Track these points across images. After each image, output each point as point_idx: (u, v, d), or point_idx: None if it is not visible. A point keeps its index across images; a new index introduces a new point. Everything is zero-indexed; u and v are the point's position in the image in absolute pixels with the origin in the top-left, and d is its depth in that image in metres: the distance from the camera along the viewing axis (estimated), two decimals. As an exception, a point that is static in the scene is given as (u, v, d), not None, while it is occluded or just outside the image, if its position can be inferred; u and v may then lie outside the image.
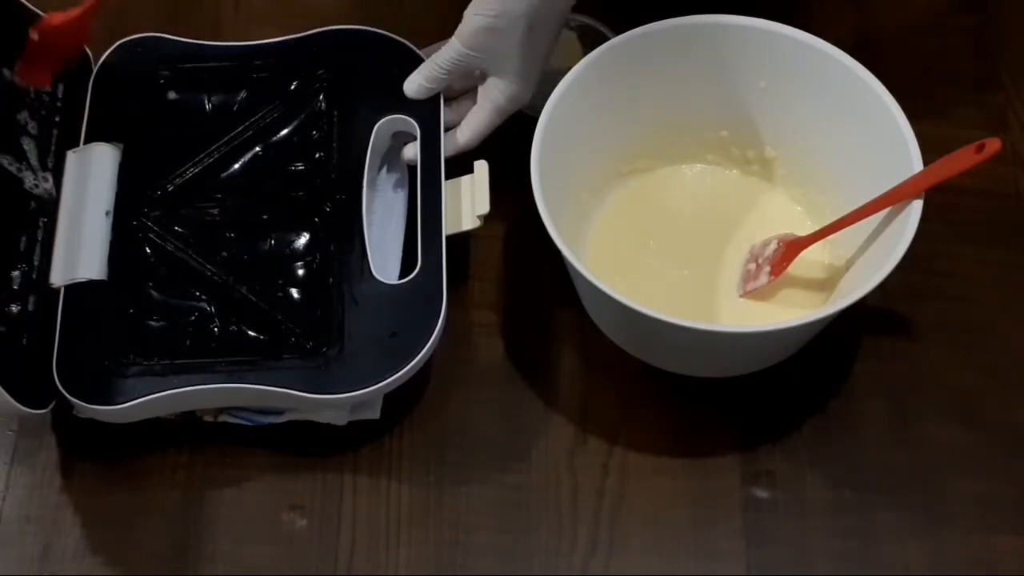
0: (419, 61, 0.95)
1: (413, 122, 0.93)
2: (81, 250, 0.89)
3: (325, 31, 0.97)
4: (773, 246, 0.92)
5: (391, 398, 0.89)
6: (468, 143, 0.92)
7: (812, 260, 0.94)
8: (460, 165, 0.92)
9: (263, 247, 0.90)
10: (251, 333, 0.87)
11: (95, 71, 0.96)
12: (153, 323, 0.88)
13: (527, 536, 0.87)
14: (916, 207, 0.84)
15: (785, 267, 0.91)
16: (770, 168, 0.96)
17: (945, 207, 0.93)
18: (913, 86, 0.97)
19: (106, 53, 0.96)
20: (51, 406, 0.86)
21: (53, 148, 0.92)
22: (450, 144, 0.93)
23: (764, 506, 0.88)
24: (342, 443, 0.89)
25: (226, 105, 0.95)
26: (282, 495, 0.88)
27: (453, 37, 0.90)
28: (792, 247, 0.91)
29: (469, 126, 0.92)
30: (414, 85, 0.93)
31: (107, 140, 0.92)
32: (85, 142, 0.93)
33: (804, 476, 0.89)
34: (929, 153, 0.86)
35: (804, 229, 0.94)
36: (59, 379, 0.85)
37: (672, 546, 0.87)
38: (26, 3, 0.93)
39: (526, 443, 0.90)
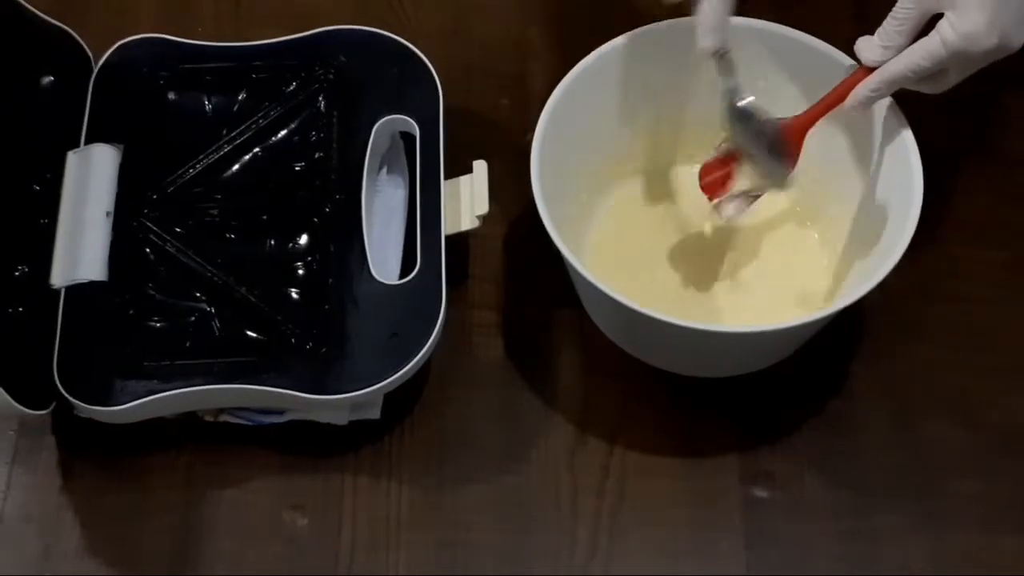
0: (419, 61, 0.95)
1: (413, 122, 0.93)
2: (81, 251, 0.89)
3: (325, 31, 0.97)
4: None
5: (391, 398, 0.89)
6: (894, 77, 0.82)
7: (812, 260, 0.94)
8: (459, 165, 0.92)
9: (263, 248, 0.90)
10: (251, 334, 0.87)
11: (95, 71, 0.96)
12: (153, 324, 0.88)
13: (527, 536, 0.87)
14: (915, 207, 0.84)
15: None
16: (769, 168, 0.96)
17: (945, 207, 0.94)
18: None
19: (106, 53, 0.96)
20: (52, 407, 0.86)
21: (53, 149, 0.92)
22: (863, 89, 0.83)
23: (764, 506, 0.88)
24: (342, 443, 0.89)
25: (226, 105, 0.95)
26: (282, 495, 0.89)
27: None
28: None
29: (905, 56, 0.82)
30: (873, 53, 0.83)
31: (107, 141, 0.92)
32: (85, 143, 0.93)
33: (804, 476, 0.89)
34: (928, 151, 0.85)
35: (803, 228, 0.94)
36: (59, 380, 0.85)
37: (672, 546, 0.87)
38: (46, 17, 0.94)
39: (526, 443, 0.90)
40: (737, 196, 0.90)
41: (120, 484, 0.89)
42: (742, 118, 0.88)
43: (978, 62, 0.81)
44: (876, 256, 0.86)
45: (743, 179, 0.89)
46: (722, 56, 0.86)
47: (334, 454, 0.89)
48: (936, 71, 0.82)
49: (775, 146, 0.88)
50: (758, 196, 0.90)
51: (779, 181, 0.89)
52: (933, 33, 0.81)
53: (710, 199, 0.90)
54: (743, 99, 0.87)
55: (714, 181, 0.89)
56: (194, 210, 0.91)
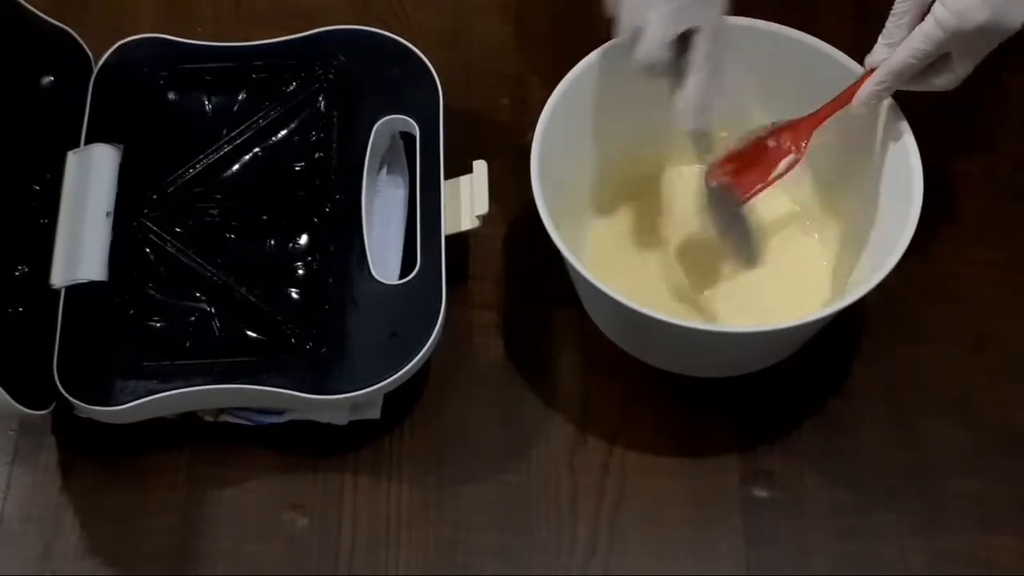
0: (419, 61, 0.95)
1: (413, 122, 0.93)
2: (82, 251, 0.89)
3: (325, 31, 0.97)
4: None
5: (391, 398, 0.89)
6: (898, 67, 0.83)
7: (812, 259, 0.94)
8: (459, 165, 0.92)
9: (263, 248, 0.90)
10: (251, 334, 0.87)
11: (95, 72, 0.96)
12: (153, 324, 0.87)
13: (527, 536, 0.87)
14: (915, 207, 0.84)
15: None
16: (769, 168, 0.96)
17: (945, 207, 0.94)
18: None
19: (106, 54, 0.96)
20: (52, 407, 0.86)
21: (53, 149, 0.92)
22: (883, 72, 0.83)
23: (764, 506, 0.88)
24: (342, 443, 0.90)
25: (226, 105, 0.94)
26: (282, 495, 0.89)
27: None
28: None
29: (904, 44, 0.82)
30: (878, 53, 0.84)
31: (107, 141, 0.92)
32: (85, 143, 0.93)
33: (803, 476, 0.89)
34: (927, 152, 0.86)
35: (803, 229, 0.94)
36: (60, 380, 0.85)
37: (672, 546, 0.87)
38: (46, 17, 0.94)
39: (526, 443, 0.90)
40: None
41: (120, 484, 0.89)
42: (717, 197, 0.88)
43: (977, 43, 0.81)
44: (876, 256, 0.86)
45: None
46: (702, 136, 0.86)
47: (334, 454, 0.89)
48: (940, 61, 0.82)
49: (748, 226, 0.89)
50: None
51: (748, 261, 0.90)
52: (928, 16, 0.81)
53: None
54: (719, 178, 0.88)
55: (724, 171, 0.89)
56: (194, 210, 0.91)
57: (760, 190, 0.89)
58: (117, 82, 0.95)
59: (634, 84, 0.92)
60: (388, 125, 0.94)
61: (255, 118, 0.94)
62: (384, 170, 0.96)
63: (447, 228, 0.89)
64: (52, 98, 0.94)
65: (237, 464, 0.89)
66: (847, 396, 0.91)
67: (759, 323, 0.90)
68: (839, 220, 0.93)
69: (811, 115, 0.88)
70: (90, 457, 0.90)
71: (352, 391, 0.84)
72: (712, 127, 0.86)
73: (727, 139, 0.95)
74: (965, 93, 0.85)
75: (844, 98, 0.87)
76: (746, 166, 0.89)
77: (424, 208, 0.90)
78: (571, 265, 0.84)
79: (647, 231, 0.96)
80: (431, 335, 0.85)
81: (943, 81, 0.84)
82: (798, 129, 0.88)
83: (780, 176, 0.89)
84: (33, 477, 0.90)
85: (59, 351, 0.86)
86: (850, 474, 0.89)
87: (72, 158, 0.92)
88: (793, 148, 0.88)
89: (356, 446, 0.90)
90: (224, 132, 0.93)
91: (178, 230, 0.90)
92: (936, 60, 0.82)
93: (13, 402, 0.82)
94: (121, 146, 0.93)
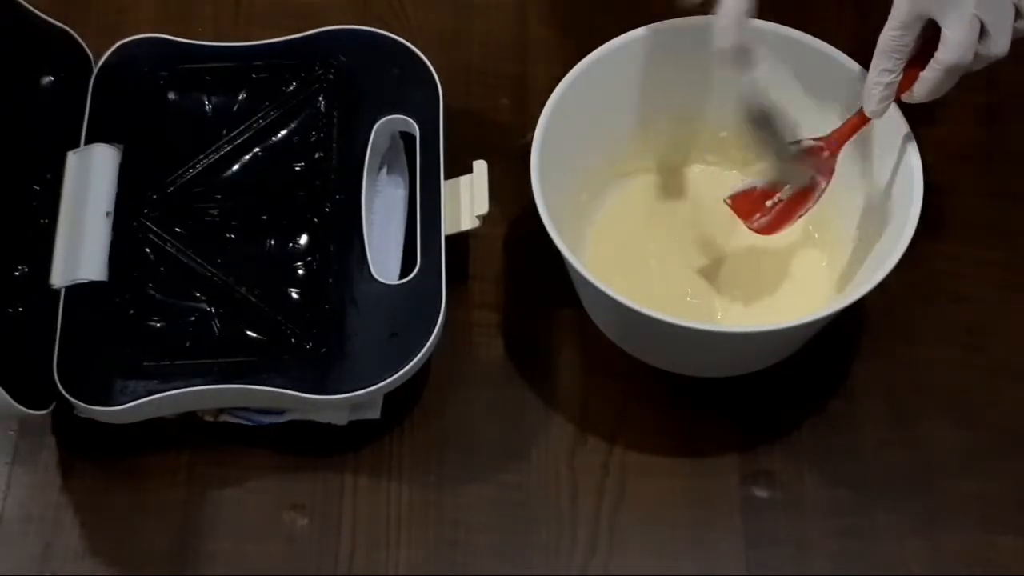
0: (419, 61, 0.95)
1: (413, 122, 0.93)
2: (82, 251, 0.89)
3: (325, 31, 0.97)
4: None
5: (391, 398, 0.89)
6: (886, 44, 0.82)
7: (812, 260, 0.94)
8: (459, 165, 0.92)
9: (263, 248, 0.90)
10: (251, 334, 0.87)
11: (95, 72, 0.96)
12: (153, 324, 0.87)
13: (527, 536, 0.87)
14: (915, 207, 0.84)
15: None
16: (770, 169, 0.96)
17: (945, 207, 0.94)
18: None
19: (106, 54, 0.96)
20: (52, 407, 0.86)
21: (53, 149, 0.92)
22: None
23: (763, 506, 0.88)
24: (342, 443, 0.89)
25: (226, 105, 0.94)
26: (282, 495, 0.89)
27: None
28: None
29: (920, 87, 0.83)
30: (874, 96, 0.84)
31: (107, 141, 0.92)
32: (85, 143, 0.93)
33: (803, 476, 0.89)
34: (926, 153, 0.86)
35: (803, 229, 0.94)
36: (59, 380, 0.85)
37: (672, 546, 0.87)
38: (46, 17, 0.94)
39: (526, 443, 0.90)
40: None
41: (120, 484, 0.89)
42: (761, 120, 0.88)
43: None
44: (876, 256, 0.86)
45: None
46: (743, 55, 0.85)
47: (334, 454, 0.89)
48: (935, 36, 0.81)
49: (794, 148, 0.88)
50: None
51: (800, 181, 0.89)
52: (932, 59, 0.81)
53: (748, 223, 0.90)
54: (763, 101, 0.87)
55: (750, 208, 0.90)
56: (194, 210, 0.91)
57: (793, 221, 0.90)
58: (117, 82, 0.95)
59: (634, 85, 0.93)
60: (388, 125, 0.94)
61: (255, 118, 0.94)
62: (384, 170, 0.96)
63: (447, 228, 0.89)
64: (52, 98, 0.94)
65: (237, 464, 0.89)
66: (847, 396, 0.91)
67: (759, 323, 0.90)
68: (839, 220, 0.93)
69: (832, 137, 0.88)
70: (90, 457, 0.90)
71: (352, 391, 0.85)
72: (753, 43, 0.84)
73: (727, 138, 0.96)
74: (964, 94, 0.85)
75: (862, 116, 0.87)
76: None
77: (424, 208, 0.90)
78: (571, 265, 0.84)
79: (647, 231, 0.96)
80: (431, 335, 0.85)
81: (947, 55, 0.81)
82: (821, 155, 0.88)
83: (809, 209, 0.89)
84: (33, 477, 0.90)
85: (59, 351, 0.86)
86: (850, 474, 0.89)
87: (72, 158, 0.92)
88: (820, 177, 0.89)
89: (356, 446, 0.90)
90: (224, 132, 0.93)
91: (178, 230, 0.90)
92: (931, 36, 0.82)
93: (13, 402, 0.82)
94: (121, 146, 0.93)
